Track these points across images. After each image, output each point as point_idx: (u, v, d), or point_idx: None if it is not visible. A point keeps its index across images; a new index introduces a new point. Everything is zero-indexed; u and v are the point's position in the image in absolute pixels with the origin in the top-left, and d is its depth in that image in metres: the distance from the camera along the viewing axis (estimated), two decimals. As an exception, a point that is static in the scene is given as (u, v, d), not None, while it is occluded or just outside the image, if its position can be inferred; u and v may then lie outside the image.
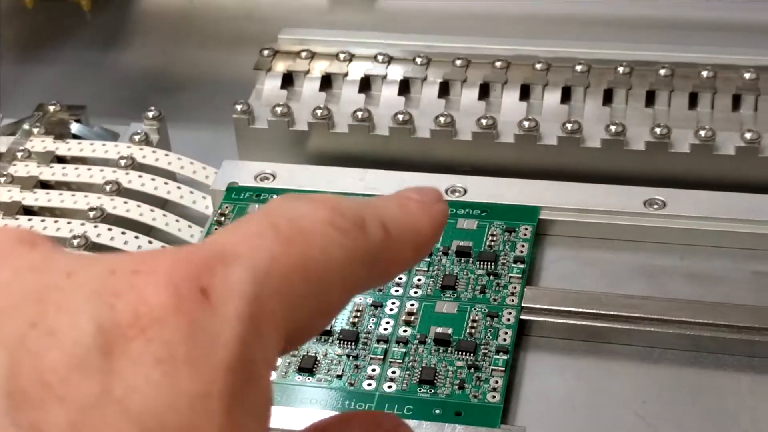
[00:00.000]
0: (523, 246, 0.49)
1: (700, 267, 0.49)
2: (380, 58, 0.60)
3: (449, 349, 0.44)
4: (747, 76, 0.56)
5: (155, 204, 0.55)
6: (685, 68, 0.58)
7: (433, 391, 0.43)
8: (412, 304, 0.46)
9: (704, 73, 0.57)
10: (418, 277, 0.48)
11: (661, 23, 0.69)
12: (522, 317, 0.46)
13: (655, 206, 0.50)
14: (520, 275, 0.47)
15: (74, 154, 0.58)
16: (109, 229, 0.53)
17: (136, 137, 0.58)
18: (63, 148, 0.58)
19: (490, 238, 0.49)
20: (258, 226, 0.24)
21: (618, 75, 0.58)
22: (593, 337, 0.46)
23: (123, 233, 0.53)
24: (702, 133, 0.54)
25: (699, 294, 0.47)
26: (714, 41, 0.62)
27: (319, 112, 0.57)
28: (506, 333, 0.45)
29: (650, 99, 0.57)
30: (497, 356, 0.44)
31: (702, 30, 0.69)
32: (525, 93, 0.58)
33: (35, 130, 0.59)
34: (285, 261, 0.23)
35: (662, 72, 0.57)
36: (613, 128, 0.55)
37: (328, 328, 0.45)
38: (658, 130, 0.54)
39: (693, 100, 0.57)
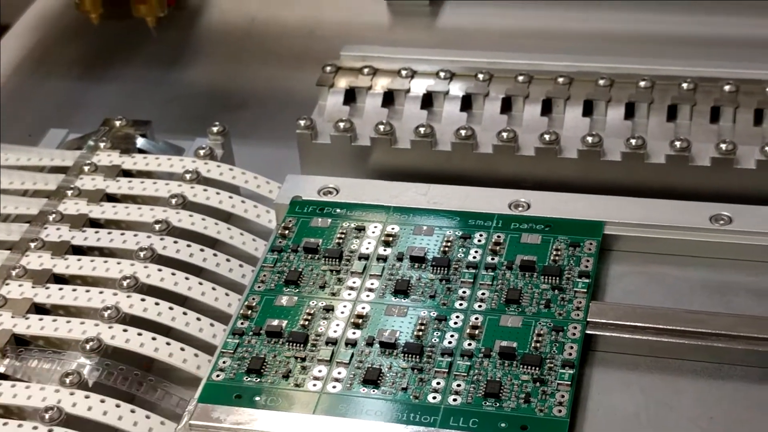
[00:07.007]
0: (588, 261, 0.48)
1: (767, 283, 0.48)
2: (442, 74, 0.61)
3: (514, 362, 0.44)
4: (814, 92, 0.56)
5: (220, 218, 0.55)
6: (750, 84, 0.57)
7: (498, 404, 0.43)
8: (477, 318, 0.46)
9: (770, 90, 0.57)
10: (482, 291, 0.48)
11: (726, 41, 0.68)
12: (588, 332, 0.45)
13: (721, 222, 0.49)
14: (585, 290, 0.47)
15: (140, 168, 0.59)
16: (175, 242, 0.53)
17: (201, 152, 0.59)
18: (129, 162, 0.59)
19: (554, 252, 0.49)
20: None
21: (682, 91, 0.57)
22: (659, 353, 0.45)
23: (188, 246, 0.53)
24: (768, 149, 0.54)
25: (766, 310, 0.47)
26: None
27: (381, 127, 0.58)
28: (572, 347, 0.45)
29: (715, 115, 0.57)
30: (563, 370, 0.44)
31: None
32: (588, 109, 0.58)
33: (101, 145, 0.60)
34: None
35: (727, 88, 0.57)
36: (677, 144, 0.54)
37: (392, 341, 0.45)
38: (723, 146, 0.54)
39: (758, 117, 0.56)
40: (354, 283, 0.49)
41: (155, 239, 0.53)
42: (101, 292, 0.51)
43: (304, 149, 0.59)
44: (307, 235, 0.51)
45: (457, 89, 0.60)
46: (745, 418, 0.43)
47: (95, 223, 0.56)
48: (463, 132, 0.57)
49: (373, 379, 0.44)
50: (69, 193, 0.57)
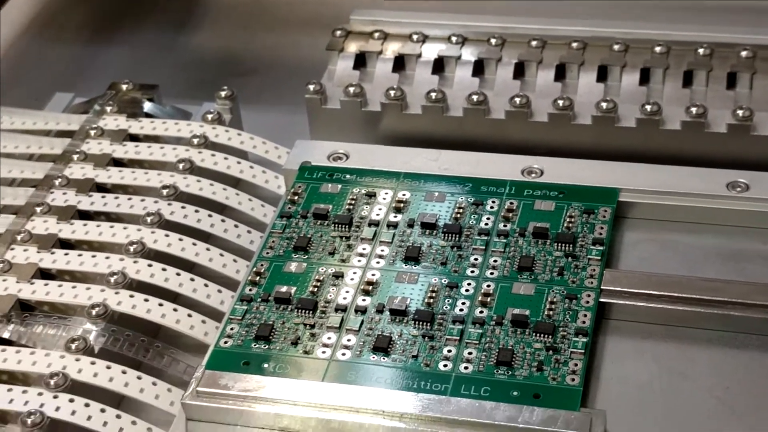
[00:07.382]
0: (602, 228, 0.48)
1: (784, 251, 0.47)
2: (454, 39, 0.60)
3: (527, 330, 0.44)
4: (833, 57, 0.55)
5: (228, 183, 0.55)
6: (768, 50, 0.56)
7: (510, 372, 0.42)
8: (489, 285, 0.46)
9: (788, 55, 0.56)
10: (495, 258, 0.47)
11: (744, 6, 0.67)
12: (601, 300, 0.45)
13: (738, 189, 0.49)
14: (599, 257, 0.46)
15: (147, 133, 0.58)
16: (183, 207, 0.53)
17: (209, 116, 0.58)
18: (136, 126, 0.58)
19: (567, 219, 0.48)
20: None
21: (698, 56, 0.57)
22: (674, 321, 0.45)
23: (196, 211, 0.53)
24: (785, 115, 0.53)
25: (782, 278, 0.46)
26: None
27: (392, 92, 0.57)
28: (585, 315, 0.44)
29: (731, 81, 0.56)
30: (576, 339, 0.43)
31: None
32: (602, 74, 0.57)
33: (108, 109, 0.59)
34: None
35: (744, 54, 0.56)
36: (693, 110, 0.53)
37: (403, 308, 0.44)
38: (740, 113, 0.53)
39: (776, 82, 0.55)
40: (364, 249, 0.48)
41: (162, 204, 0.53)
42: (107, 258, 0.50)
43: (313, 114, 0.58)
44: (317, 200, 0.50)
45: (469, 54, 0.59)
46: (761, 388, 0.42)
47: (102, 188, 0.55)
48: (475, 97, 0.56)
49: (383, 346, 0.43)
50: (75, 157, 0.56)
